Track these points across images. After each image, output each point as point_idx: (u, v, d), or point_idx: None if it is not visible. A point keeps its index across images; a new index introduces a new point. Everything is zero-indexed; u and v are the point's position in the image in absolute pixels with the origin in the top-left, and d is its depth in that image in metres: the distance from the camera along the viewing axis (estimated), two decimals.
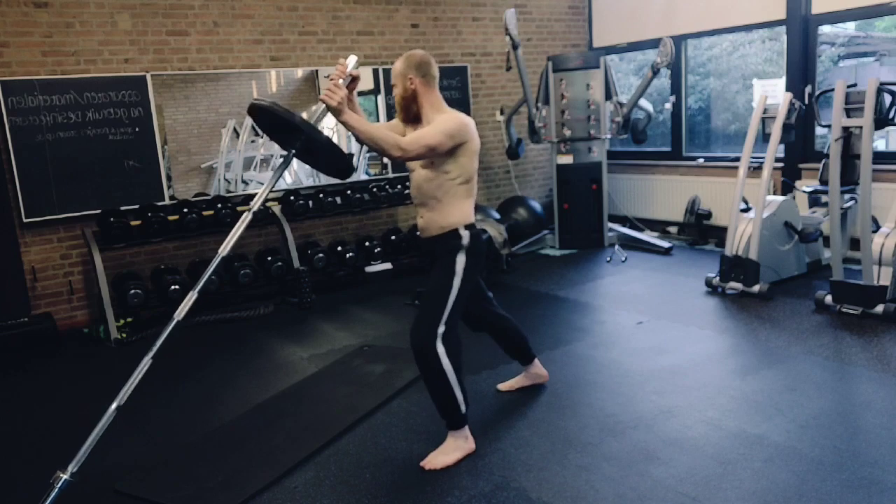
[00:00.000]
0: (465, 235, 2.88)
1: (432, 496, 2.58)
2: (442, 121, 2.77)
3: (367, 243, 5.92)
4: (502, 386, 3.52)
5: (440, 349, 2.75)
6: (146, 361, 2.42)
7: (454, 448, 2.85)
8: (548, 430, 3.03)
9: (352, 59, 2.71)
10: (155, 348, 2.43)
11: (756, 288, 4.67)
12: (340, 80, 2.62)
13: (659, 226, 6.95)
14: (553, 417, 3.14)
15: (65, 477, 2.28)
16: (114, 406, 2.38)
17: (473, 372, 3.68)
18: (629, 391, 3.37)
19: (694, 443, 2.83)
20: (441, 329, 2.77)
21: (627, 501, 2.45)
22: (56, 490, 2.26)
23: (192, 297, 2.51)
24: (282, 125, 2.58)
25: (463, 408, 2.84)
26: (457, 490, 2.60)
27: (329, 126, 6.32)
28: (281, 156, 2.69)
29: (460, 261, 2.86)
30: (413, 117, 2.85)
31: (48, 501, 2.25)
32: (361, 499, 2.60)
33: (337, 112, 2.56)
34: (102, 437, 3.00)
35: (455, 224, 2.86)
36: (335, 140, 6.39)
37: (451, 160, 2.79)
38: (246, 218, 2.59)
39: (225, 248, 2.56)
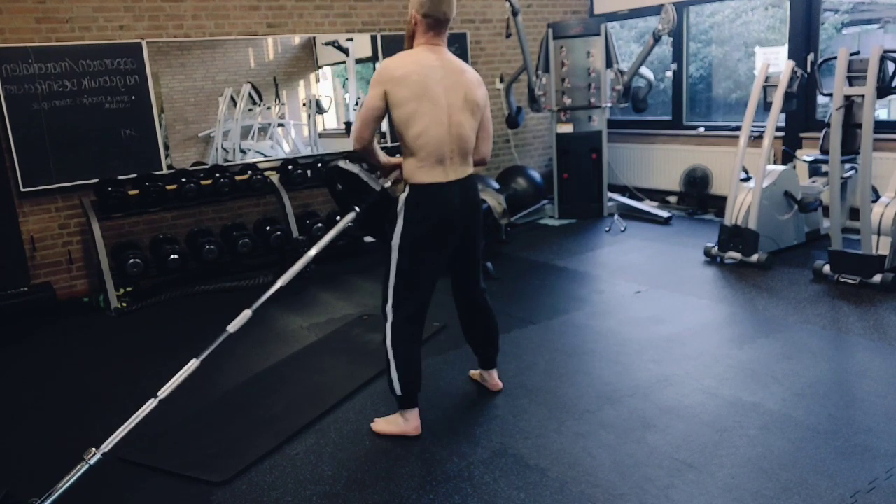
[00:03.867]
0: (400, 199, 2.62)
1: (431, 463, 2.61)
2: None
3: None
4: (473, 373, 3.29)
5: (387, 330, 2.75)
6: (194, 364, 2.53)
7: (393, 423, 2.83)
8: (545, 398, 3.06)
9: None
10: (205, 354, 2.55)
11: (755, 257, 4.67)
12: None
13: (658, 195, 6.93)
14: (551, 386, 3.17)
15: (98, 455, 2.35)
16: (157, 399, 2.48)
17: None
18: (627, 360, 3.39)
19: (690, 410, 2.86)
20: (390, 316, 2.73)
21: (624, 468, 2.49)
22: (86, 466, 2.34)
23: (247, 314, 2.67)
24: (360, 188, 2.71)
25: (398, 391, 2.73)
26: (455, 457, 2.63)
27: (326, 94, 6.28)
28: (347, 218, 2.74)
29: (396, 233, 2.66)
30: None
31: (77, 475, 2.31)
32: (361, 465, 2.63)
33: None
34: (108, 408, 3.02)
35: (401, 183, 2.65)
36: (333, 108, 6.36)
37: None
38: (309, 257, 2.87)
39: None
